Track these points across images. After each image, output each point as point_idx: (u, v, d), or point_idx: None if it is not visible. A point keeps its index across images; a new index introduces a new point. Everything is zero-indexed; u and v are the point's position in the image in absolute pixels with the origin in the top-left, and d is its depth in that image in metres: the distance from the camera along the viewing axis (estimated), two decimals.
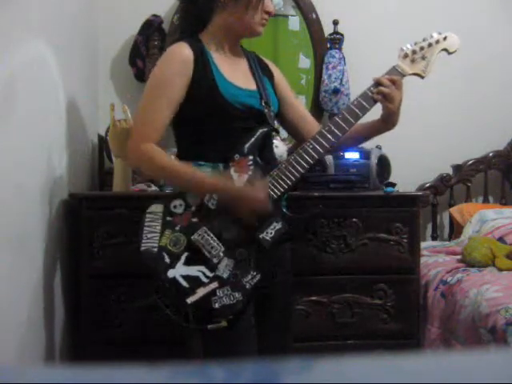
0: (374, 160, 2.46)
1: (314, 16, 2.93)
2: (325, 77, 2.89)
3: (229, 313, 1.57)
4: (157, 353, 2.10)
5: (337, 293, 2.30)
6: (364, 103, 1.69)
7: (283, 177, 1.66)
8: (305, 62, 2.96)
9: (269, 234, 1.61)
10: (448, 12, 3.06)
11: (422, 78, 1.75)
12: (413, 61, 1.73)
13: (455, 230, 2.98)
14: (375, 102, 1.70)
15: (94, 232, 2.17)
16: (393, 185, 2.41)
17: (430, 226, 3.05)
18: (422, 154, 3.00)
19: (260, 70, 1.82)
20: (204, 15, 1.74)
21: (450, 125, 3.05)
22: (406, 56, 1.73)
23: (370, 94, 1.70)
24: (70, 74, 2.27)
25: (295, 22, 2.94)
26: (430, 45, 1.74)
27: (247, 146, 1.65)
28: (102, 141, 2.61)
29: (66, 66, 2.20)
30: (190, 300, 1.57)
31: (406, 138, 2.89)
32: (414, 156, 2.96)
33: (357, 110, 1.69)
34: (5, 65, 1.63)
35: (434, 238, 3.02)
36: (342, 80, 2.86)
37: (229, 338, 1.60)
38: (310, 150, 1.66)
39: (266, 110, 1.73)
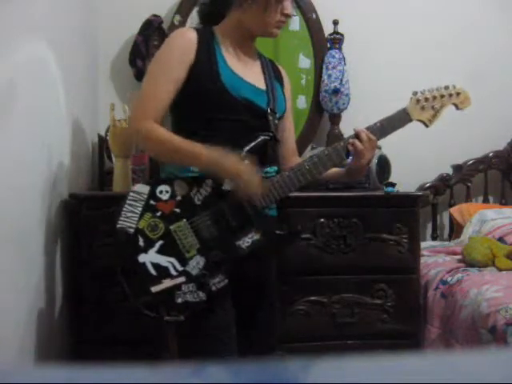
0: (374, 160, 2.46)
1: (314, 16, 2.93)
2: (325, 77, 2.88)
3: (189, 310, 1.57)
4: (157, 353, 2.10)
5: (337, 293, 2.30)
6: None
7: (268, 193, 1.65)
8: (305, 62, 2.96)
9: (245, 242, 1.60)
10: (448, 12, 3.06)
11: (427, 126, 1.79)
12: (423, 108, 1.75)
13: (455, 229, 2.98)
14: (348, 155, 1.72)
15: (94, 232, 2.17)
16: (393, 185, 2.41)
17: (430, 226, 3.05)
18: (421, 153, 3.00)
19: (273, 74, 1.82)
20: (220, 10, 1.74)
21: (450, 125, 3.04)
22: (417, 101, 1.75)
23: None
24: (70, 74, 2.26)
25: (295, 22, 2.94)
26: (442, 96, 1.76)
27: (246, 149, 1.63)
28: (102, 141, 2.60)
29: (66, 66, 2.20)
30: (154, 289, 1.57)
31: (406, 138, 2.88)
32: (413, 156, 2.95)
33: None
34: (5, 65, 1.63)
35: (434, 238, 3.02)
36: (342, 80, 2.86)
37: (200, 336, 1.61)
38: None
39: (270, 118, 1.72)
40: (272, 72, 1.82)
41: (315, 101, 2.93)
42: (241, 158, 1.60)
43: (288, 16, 1.72)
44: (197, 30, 1.72)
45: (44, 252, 1.95)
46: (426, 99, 1.75)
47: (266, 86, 1.76)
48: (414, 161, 2.96)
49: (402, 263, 2.32)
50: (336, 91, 2.86)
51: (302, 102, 2.94)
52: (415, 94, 1.75)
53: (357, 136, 1.70)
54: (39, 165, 1.93)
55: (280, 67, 1.90)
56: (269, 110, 1.73)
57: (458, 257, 2.58)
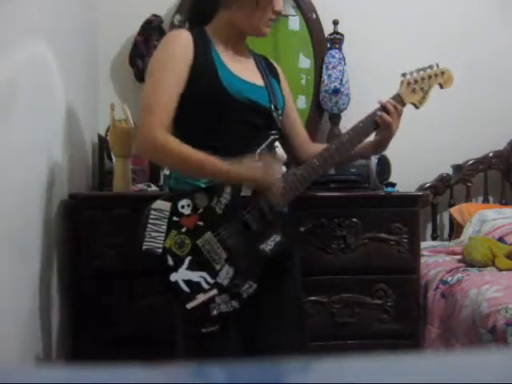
0: (373, 160, 2.46)
1: (314, 16, 2.93)
2: (325, 77, 2.88)
3: (224, 319, 1.57)
4: (157, 353, 2.10)
5: (337, 293, 2.30)
6: (369, 127, 1.73)
7: (288, 189, 1.64)
8: (305, 62, 2.96)
9: (268, 245, 1.60)
10: (448, 12, 3.06)
11: (417, 108, 1.80)
12: (413, 91, 1.77)
13: (455, 229, 2.98)
14: (377, 127, 1.73)
15: (94, 232, 2.17)
16: (393, 185, 2.41)
17: (430, 226, 3.05)
18: (421, 154, 3.00)
19: (268, 70, 1.80)
20: (209, 9, 1.72)
21: (449, 125, 3.05)
22: (408, 84, 1.76)
23: (375, 117, 1.72)
24: (70, 74, 2.26)
25: (295, 22, 2.94)
26: (429, 77, 1.78)
27: (258, 151, 1.62)
28: (102, 141, 2.60)
29: (66, 65, 2.20)
30: (189, 305, 1.56)
31: (406, 138, 2.88)
32: (414, 156, 2.96)
33: (362, 133, 1.72)
34: (5, 65, 1.63)
35: (434, 238, 3.02)
36: (342, 80, 2.86)
37: (216, 343, 1.60)
38: (317, 167, 1.67)
39: (274, 114, 1.71)
40: (266, 68, 1.81)
41: (315, 101, 2.93)
42: (257, 159, 1.59)
43: (278, 13, 1.69)
44: (190, 30, 1.69)
45: (44, 252, 1.95)
46: (416, 81, 1.77)
47: (265, 82, 1.74)
48: (413, 161, 2.96)
49: (401, 263, 2.32)
50: (336, 91, 2.86)
51: (302, 102, 2.94)
52: (404, 75, 1.76)
53: (383, 108, 1.72)
54: (39, 165, 1.93)
55: (273, 62, 1.89)
56: (272, 107, 1.71)
57: (458, 257, 2.58)
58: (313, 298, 2.28)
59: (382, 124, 1.71)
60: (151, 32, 2.78)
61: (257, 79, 1.73)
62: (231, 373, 0.52)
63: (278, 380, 0.53)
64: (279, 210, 1.63)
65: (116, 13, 2.84)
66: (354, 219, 2.30)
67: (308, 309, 2.28)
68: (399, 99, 1.75)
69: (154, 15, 2.80)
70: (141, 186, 2.41)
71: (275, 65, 1.88)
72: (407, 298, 2.32)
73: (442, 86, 1.82)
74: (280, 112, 1.75)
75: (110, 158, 2.51)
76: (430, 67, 1.78)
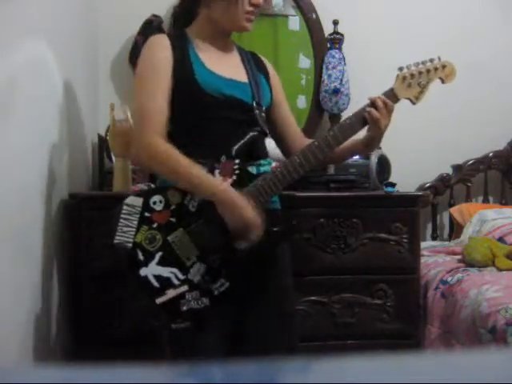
0: (373, 160, 2.46)
1: (314, 16, 2.93)
2: (325, 77, 2.88)
3: (194, 316, 1.57)
4: (157, 353, 2.10)
5: (337, 293, 2.30)
6: (356, 124, 1.67)
7: (267, 188, 1.61)
8: (305, 62, 2.96)
9: (244, 243, 1.57)
10: (448, 12, 3.06)
11: (413, 104, 1.74)
12: (409, 85, 1.71)
13: (455, 229, 2.98)
14: (365, 123, 1.68)
15: (94, 232, 2.17)
16: (393, 185, 2.41)
17: (430, 226, 3.05)
18: (421, 154, 3.00)
19: (255, 66, 1.79)
20: (190, 11, 1.73)
21: (449, 125, 3.05)
22: (404, 79, 1.70)
23: (363, 113, 1.68)
24: (70, 74, 2.26)
25: (295, 22, 2.94)
26: (428, 71, 1.72)
27: (235, 148, 1.61)
28: (102, 141, 2.60)
29: (66, 66, 2.20)
30: (158, 300, 1.56)
31: (406, 137, 2.89)
32: (413, 156, 2.96)
33: (348, 130, 1.67)
34: (5, 65, 1.63)
35: (434, 238, 3.02)
36: (341, 80, 2.86)
37: (194, 340, 1.60)
38: (297, 165, 1.63)
39: (257, 111, 1.69)
40: (253, 64, 1.79)
41: (315, 101, 2.93)
42: (233, 176, 1.58)
43: (257, 6, 1.68)
44: (167, 34, 1.72)
45: (43, 252, 1.95)
46: (412, 76, 1.70)
47: (248, 78, 1.73)
48: (413, 161, 2.96)
49: (402, 263, 2.32)
50: (336, 91, 2.86)
51: (302, 102, 2.94)
52: (401, 69, 1.71)
53: (372, 104, 1.67)
54: (39, 165, 1.93)
55: (262, 58, 1.87)
56: (254, 104, 1.70)
57: (458, 257, 2.58)
58: (313, 298, 2.28)
59: (369, 120, 1.66)
60: (151, 32, 2.78)
61: (239, 75, 1.72)
62: (230, 373, 0.52)
63: (277, 380, 0.53)
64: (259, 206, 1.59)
65: (116, 13, 2.84)
66: (354, 219, 2.30)
67: (308, 309, 2.28)
68: (392, 94, 1.70)
69: (154, 15, 2.80)
70: (141, 185, 2.41)
71: (264, 61, 1.86)
72: (407, 298, 2.32)
73: (443, 81, 1.75)
74: (263, 108, 1.73)
75: (110, 158, 2.51)
76: (431, 60, 1.71)
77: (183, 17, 1.77)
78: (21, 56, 1.75)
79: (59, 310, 2.13)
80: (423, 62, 1.72)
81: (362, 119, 1.68)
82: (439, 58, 1.73)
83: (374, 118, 1.66)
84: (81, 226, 2.19)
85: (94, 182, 2.67)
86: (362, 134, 1.74)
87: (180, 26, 1.77)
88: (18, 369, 0.65)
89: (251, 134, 1.65)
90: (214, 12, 1.68)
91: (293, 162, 1.64)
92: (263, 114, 1.73)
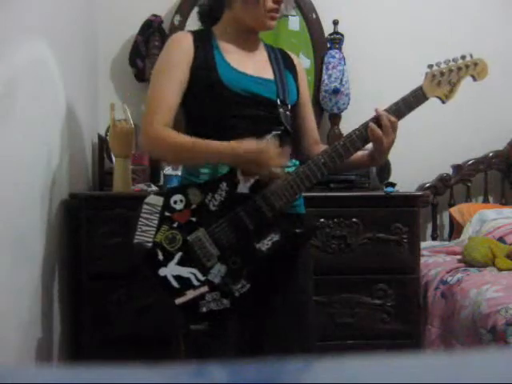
0: None
1: (314, 16, 2.93)
2: (325, 77, 2.89)
3: (214, 318, 1.55)
4: (156, 353, 2.10)
5: (337, 293, 2.30)
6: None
7: (289, 188, 1.58)
8: (305, 62, 2.96)
9: (265, 244, 1.56)
10: (448, 12, 3.06)
11: (443, 102, 1.69)
12: (439, 84, 1.66)
13: (455, 229, 2.98)
14: (367, 141, 1.64)
15: (94, 232, 2.17)
16: (393, 185, 2.41)
17: (430, 226, 3.05)
18: (421, 154, 3.00)
19: (283, 63, 1.77)
20: (216, 11, 1.74)
21: (450, 125, 3.05)
22: (433, 77, 1.65)
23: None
24: (70, 74, 2.27)
25: (295, 22, 2.94)
26: (459, 69, 1.67)
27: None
28: (102, 141, 2.61)
29: (66, 66, 2.20)
30: (178, 301, 1.55)
31: (406, 137, 2.88)
32: (413, 156, 2.96)
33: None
34: (5, 65, 1.63)
35: (434, 238, 3.02)
36: (342, 80, 2.86)
37: (211, 343, 1.59)
38: (321, 165, 1.59)
39: (281, 109, 1.68)
40: (282, 61, 1.78)
41: (315, 101, 2.92)
42: (255, 176, 1.56)
43: (279, 2, 1.67)
44: (192, 32, 1.72)
45: (44, 252, 1.95)
46: (442, 73, 1.65)
47: (275, 75, 1.72)
48: (413, 161, 2.96)
49: (402, 263, 2.32)
50: (336, 91, 2.86)
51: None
52: (431, 67, 1.65)
53: (377, 119, 1.62)
54: (39, 165, 1.93)
55: (292, 55, 1.86)
56: (278, 101, 1.68)
57: (458, 257, 2.58)
58: (313, 298, 2.28)
59: (371, 139, 1.62)
60: (151, 32, 2.79)
61: (264, 72, 1.71)
62: (232, 373, 0.52)
63: (278, 380, 0.53)
64: (278, 208, 1.58)
65: (116, 13, 2.84)
66: (354, 219, 2.30)
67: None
68: (421, 93, 1.65)
69: (154, 15, 2.80)
70: (141, 185, 2.41)
71: (293, 57, 1.85)
72: (407, 298, 2.32)
73: (474, 79, 1.69)
74: (289, 107, 1.72)
75: (109, 158, 2.51)
76: (462, 58, 1.66)
77: (210, 16, 1.77)
78: (21, 56, 1.75)
79: (59, 309, 2.13)
80: (454, 60, 1.67)
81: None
82: (471, 56, 1.68)
83: (375, 137, 1.62)
84: (81, 226, 2.19)
85: (94, 182, 2.67)
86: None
87: (206, 25, 1.78)
88: (18, 369, 0.65)
89: (274, 132, 1.60)
90: (238, 13, 1.68)
91: (317, 162, 1.60)
92: (288, 113, 1.70)
